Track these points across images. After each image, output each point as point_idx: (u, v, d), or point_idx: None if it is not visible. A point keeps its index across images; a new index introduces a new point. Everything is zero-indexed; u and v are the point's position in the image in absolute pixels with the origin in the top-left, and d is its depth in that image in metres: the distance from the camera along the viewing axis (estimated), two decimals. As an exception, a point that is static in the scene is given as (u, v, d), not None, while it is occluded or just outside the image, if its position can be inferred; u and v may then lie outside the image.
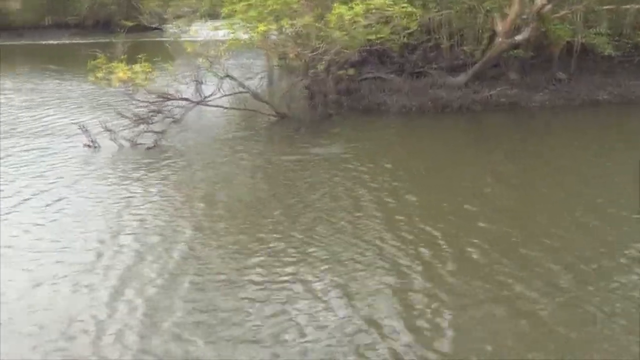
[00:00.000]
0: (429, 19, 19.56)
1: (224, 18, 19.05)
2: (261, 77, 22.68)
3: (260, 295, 8.16)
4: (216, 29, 19.39)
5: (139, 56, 16.20)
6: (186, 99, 16.99)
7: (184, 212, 11.29)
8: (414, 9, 17.11)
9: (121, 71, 15.74)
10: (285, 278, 8.60)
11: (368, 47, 18.61)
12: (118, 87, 16.47)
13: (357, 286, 8.33)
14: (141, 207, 11.54)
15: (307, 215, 10.89)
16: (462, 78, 19.39)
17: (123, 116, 16.46)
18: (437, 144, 16.03)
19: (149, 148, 15.46)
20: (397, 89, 19.38)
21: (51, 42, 47.52)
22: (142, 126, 16.09)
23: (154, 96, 16.50)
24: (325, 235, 9.98)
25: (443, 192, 12.19)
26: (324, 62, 17.12)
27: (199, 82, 17.18)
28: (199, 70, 17.19)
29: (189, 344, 7.12)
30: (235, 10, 17.67)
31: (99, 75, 15.85)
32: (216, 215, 11.10)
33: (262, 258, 9.26)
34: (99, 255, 9.48)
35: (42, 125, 18.45)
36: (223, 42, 17.87)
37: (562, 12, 18.77)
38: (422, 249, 9.42)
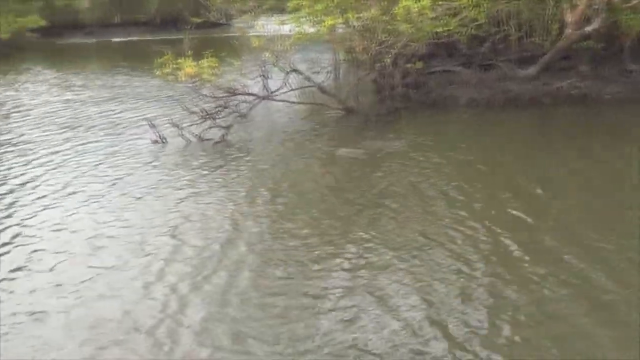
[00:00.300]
0: (497, 10, 19.28)
1: (290, 12, 19.01)
2: (328, 71, 22.56)
3: (324, 292, 8.09)
4: (282, 23, 19.39)
5: (206, 52, 16.26)
6: (253, 94, 17.01)
7: (246, 207, 11.25)
8: (482, 0, 16.89)
9: (188, 67, 15.82)
10: (348, 275, 8.47)
11: (436, 40, 18.41)
12: (185, 83, 16.56)
13: (425, 285, 8.15)
14: (205, 202, 11.55)
15: (370, 211, 10.72)
16: (531, 70, 19.04)
17: (190, 111, 16.58)
18: (507, 138, 15.62)
19: (216, 143, 15.52)
20: (465, 81, 19.12)
21: (120, 39, 48.17)
22: (208, 121, 16.18)
23: (220, 91, 16.55)
24: (390, 232, 9.82)
25: (515, 190, 11.62)
26: (391, 56, 16.99)
27: (265, 77, 17.19)
28: (265, 65, 17.18)
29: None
30: (302, 4, 17.64)
31: (166, 71, 15.95)
32: (278, 210, 11.03)
33: (323, 253, 9.16)
34: (160, 248, 9.54)
35: (110, 121, 18.73)
36: (289, 36, 17.86)
37: (634, 2, 18.29)
38: (493, 250, 9.10)
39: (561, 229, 9.74)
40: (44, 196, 12.16)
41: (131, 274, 8.79)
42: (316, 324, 7.33)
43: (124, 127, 17.82)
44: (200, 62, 16.00)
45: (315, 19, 17.50)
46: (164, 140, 15.68)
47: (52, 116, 20.11)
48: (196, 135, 15.84)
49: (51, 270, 9.01)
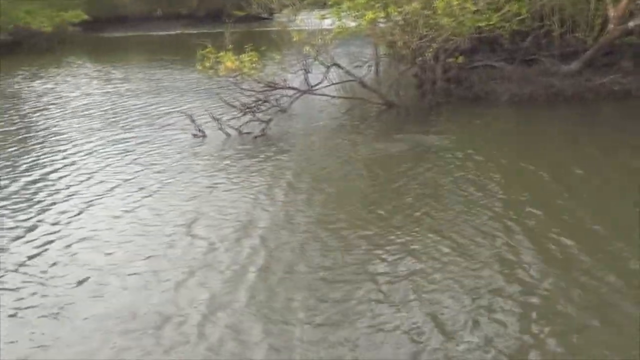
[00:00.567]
0: (540, 5, 19.10)
1: (331, 6, 18.95)
2: (369, 66, 22.52)
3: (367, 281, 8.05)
4: (323, 17, 19.34)
5: (246, 46, 16.26)
6: (293, 88, 17.01)
7: (285, 201, 11.25)
8: (525, -5, 16.77)
9: (229, 60, 15.83)
10: (385, 278, 8.38)
11: (478, 35, 18.26)
12: (225, 77, 16.58)
13: (467, 290, 8.08)
14: (245, 195, 11.56)
15: (410, 208, 10.63)
16: (574, 66, 18.82)
17: (230, 105, 16.61)
18: (550, 134, 15.33)
19: (256, 137, 15.53)
20: (507, 77, 18.94)
21: (162, 33, 48.42)
22: (248, 115, 16.21)
23: (260, 85, 16.56)
24: (430, 228, 9.73)
25: (565, 189, 11.29)
26: (432, 50, 16.88)
27: (306, 71, 17.16)
28: (306, 59, 17.15)
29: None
30: (342, -2, 17.63)
31: (207, 64, 15.98)
32: (315, 207, 10.96)
33: (361, 251, 9.10)
34: (197, 242, 9.57)
35: (150, 114, 18.89)
36: (330, 30, 17.81)
37: (679, -3, 18.06)
38: (542, 253, 8.82)
39: (622, 229, 9.44)
40: (90, 186, 12.37)
41: (175, 262, 8.87)
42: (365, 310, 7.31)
43: (163, 121, 17.92)
44: (240, 56, 16.00)
45: (356, 13, 17.45)
46: (203, 134, 15.71)
47: (91, 109, 20.33)
48: (236, 129, 15.85)
49: (94, 258, 9.11)
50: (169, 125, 17.32)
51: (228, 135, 15.71)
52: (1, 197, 12.03)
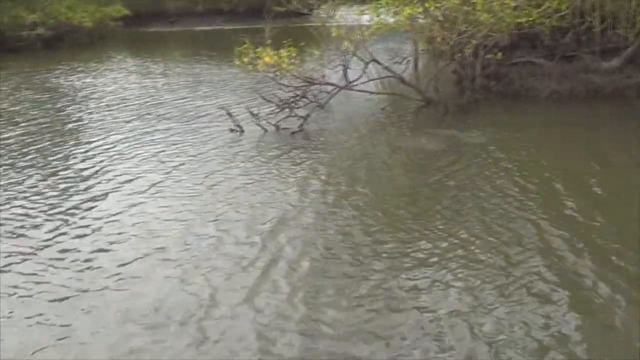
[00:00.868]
0: (581, 1, 18.91)
1: (369, 2, 18.91)
2: (408, 62, 22.46)
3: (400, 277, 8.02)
4: (362, 13, 19.29)
5: (285, 41, 16.27)
6: (331, 84, 17.00)
7: (321, 197, 11.25)
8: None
9: (267, 56, 15.86)
10: (423, 273, 8.34)
11: (517, 31, 18.12)
12: (263, 72, 16.62)
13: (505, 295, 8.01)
14: (281, 191, 11.57)
15: (447, 207, 10.55)
16: (614, 62, 18.62)
17: (268, 101, 16.66)
18: (594, 133, 15.17)
19: (293, 132, 15.55)
20: (547, 73, 18.79)
21: (203, 28, 48.62)
22: (286, 110, 16.23)
23: (299, 81, 16.58)
24: (466, 226, 9.66)
25: (608, 189, 11.09)
26: (471, 46, 16.79)
27: (344, 67, 17.14)
28: (344, 55, 17.13)
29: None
30: (382, -6, 17.58)
31: (245, 60, 16.01)
32: (351, 203, 10.90)
33: (395, 247, 9.06)
34: (228, 237, 9.58)
35: (187, 109, 19.08)
36: (368, 26, 17.78)
37: None
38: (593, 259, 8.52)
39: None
40: (126, 181, 12.43)
41: (209, 254, 8.88)
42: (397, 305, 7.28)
43: (201, 115, 18.03)
44: (279, 51, 16.02)
45: (395, 9, 17.40)
46: (241, 129, 15.75)
47: (127, 103, 20.57)
48: (273, 124, 15.89)
49: (131, 255, 9.13)
50: (205, 120, 17.43)
51: (265, 130, 15.76)
52: (33, 187, 12.23)
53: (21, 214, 10.84)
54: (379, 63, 17.76)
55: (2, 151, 15.04)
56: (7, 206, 11.26)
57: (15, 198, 11.65)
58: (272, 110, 16.33)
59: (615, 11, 19.44)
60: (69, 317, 7.48)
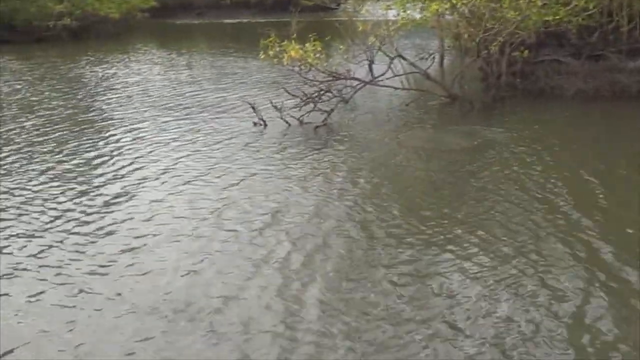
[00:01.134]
0: (609, 0, 18.77)
1: (396, -3, 18.88)
2: (433, 58, 22.39)
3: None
4: (388, 8, 19.25)
5: (311, 35, 16.23)
6: (356, 79, 16.96)
7: (343, 193, 11.16)
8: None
9: (292, 50, 15.83)
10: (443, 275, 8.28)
11: (544, 29, 18.00)
12: (288, 66, 16.58)
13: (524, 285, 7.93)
14: (304, 185, 11.54)
15: (469, 205, 10.46)
16: (642, 62, 18.53)
17: (292, 95, 16.66)
18: (620, 133, 14.97)
19: (317, 127, 15.52)
20: (573, 72, 18.67)
21: (230, 20, 48.72)
22: (310, 105, 16.19)
23: (323, 75, 16.54)
24: (489, 225, 9.57)
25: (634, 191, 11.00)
26: (497, 43, 16.70)
27: (370, 62, 17.09)
28: (370, 50, 17.08)
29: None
30: (408, -11, 17.54)
31: (270, 53, 15.99)
32: (374, 199, 10.84)
33: (415, 251, 8.93)
34: (253, 230, 9.53)
35: (211, 102, 19.16)
36: (394, 21, 17.72)
37: None
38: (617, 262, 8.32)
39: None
40: (146, 177, 12.37)
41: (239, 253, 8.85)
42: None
43: (224, 108, 18.06)
44: (304, 45, 15.99)
45: (421, 5, 17.34)
46: (264, 123, 15.74)
47: (149, 94, 20.73)
48: (297, 118, 15.88)
49: (160, 248, 9.13)
50: (228, 112, 17.48)
51: (289, 124, 15.75)
52: (54, 178, 12.27)
53: (33, 201, 10.96)
54: (404, 59, 17.68)
55: (22, 138, 15.25)
56: (24, 191, 11.44)
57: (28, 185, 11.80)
58: (297, 104, 16.27)
59: (643, 11, 19.29)
60: (80, 306, 7.51)
